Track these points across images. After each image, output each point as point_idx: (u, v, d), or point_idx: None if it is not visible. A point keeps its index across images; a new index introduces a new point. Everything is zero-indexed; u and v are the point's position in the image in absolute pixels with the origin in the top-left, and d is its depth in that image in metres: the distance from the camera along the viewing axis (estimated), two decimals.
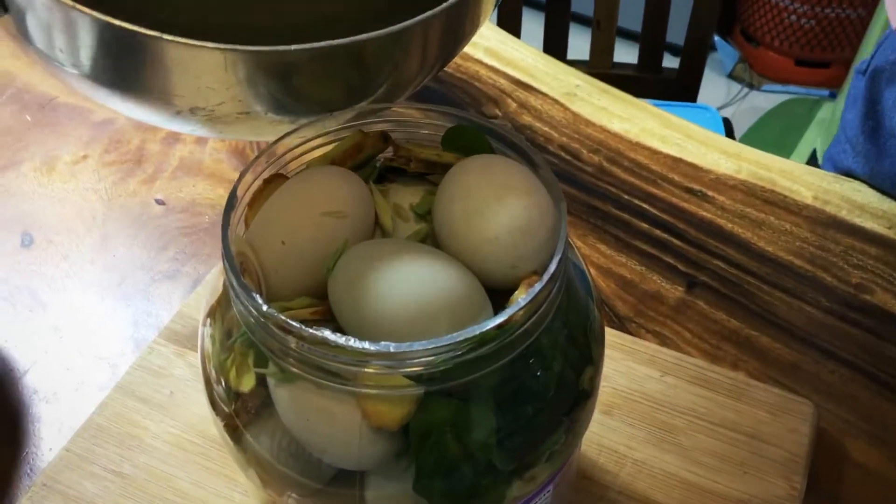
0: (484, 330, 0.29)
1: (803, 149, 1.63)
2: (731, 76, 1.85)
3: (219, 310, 0.36)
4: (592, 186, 0.66)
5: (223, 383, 0.35)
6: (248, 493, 0.48)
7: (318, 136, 0.36)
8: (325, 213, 0.32)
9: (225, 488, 0.49)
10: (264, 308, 0.29)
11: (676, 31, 1.38)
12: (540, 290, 0.30)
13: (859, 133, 0.65)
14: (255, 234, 0.33)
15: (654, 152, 0.68)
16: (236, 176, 0.68)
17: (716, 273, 0.60)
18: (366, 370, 0.30)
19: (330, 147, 0.36)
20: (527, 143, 0.35)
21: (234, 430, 0.35)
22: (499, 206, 0.32)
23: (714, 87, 1.78)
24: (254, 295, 0.30)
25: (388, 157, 0.37)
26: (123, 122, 0.72)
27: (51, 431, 0.53)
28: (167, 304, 0.60)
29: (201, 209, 0.65)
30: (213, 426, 0.51)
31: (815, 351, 0.56)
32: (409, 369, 0.29)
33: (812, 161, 1.59)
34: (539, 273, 0.32)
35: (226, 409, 0.35)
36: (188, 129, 0.36)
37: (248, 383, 0.33)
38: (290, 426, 0.33)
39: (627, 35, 1.29)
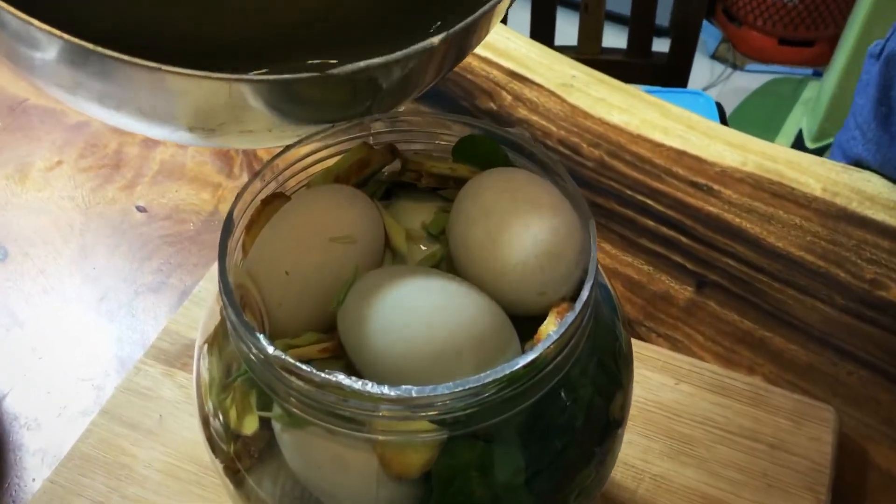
0: (514, 369, 0.26)
1: (790, 128, 1.62)
2: (715, 57, 1.83)
3: (216, 341, 0.33)
4: (594, 182, 0.63)
5: (222, 421, 0.32)
6: None
7: (321, 150, 0.33)
8: (332, 238, 0.29)
9: None
10: (270, 350, 0.27)
11: (664, 13, 1.35)
12: (573, 320, 0.28)
13: (871, 119, 0.62)
14: (256, 263, 0.30)
15: (657, 145, 0.66)
16: (221, 179, 0.65)
17: (725, 271, 0.58)
18: (384, 416, 0.27)
19: (333, 161, 0.34)
20: (547, 154, 0.32)
21: (234, 473, 0.32)
22: (523, 228, 0.29)
23: (697, 68, 1.75)
24: (257, 335, 0.27)
25: (396, 171, 0.34)
26: (99, 124, 0.68)
27: (34, 461, 0.50)
28: (153, 318, 0.56)
29: (185, 216, 0.62)
30: (205, 452, 0.49)
31: (831, 352, 0.54)
32: (431, 415, 0.27)
33: (799, 140, 1.58)
34: (568, 299, 0.30)
35: (225, 449, 0.32)
36: (180, 140, 0.32)
37: (250, 426, 0.31)
38: (298, 473, 0.30)
39: (616, 18, 1.26)
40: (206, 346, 0.34)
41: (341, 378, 0.26)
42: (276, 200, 0.32)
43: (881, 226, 0.60)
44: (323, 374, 0.26)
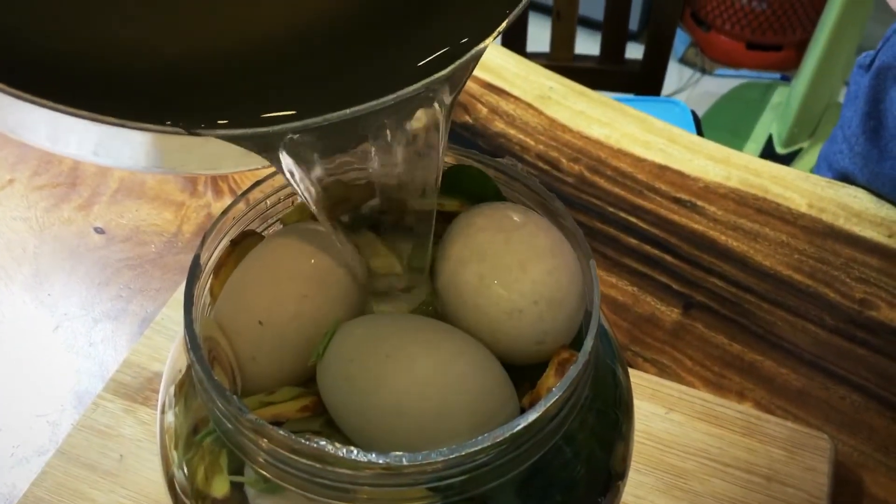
0: (514, 431, 0.24)
1: (760, 133, 1.61)
2: (683, 61, 1.82)
3: (183, 389, 0.30)
4: (575, 199, 0.61)
5: (188, 481, 0.29)
6: None
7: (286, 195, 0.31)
8: (304, 292, 0.26)
9: None
10: (245, 415, 0.24)
11: (634, 16, 1.33)
12: (577, 375, 0.25)
13: (859, 133, 0.61)
14: (226, 312, 0.27)
15: (638, 160, 0.64)
16: (184, 198, 0.62)
17: (712, 292, 0.56)
18: (371, 484, 0.24)
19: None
20: (543, 189, 0.29)
21: None
22: (520, 272, 0.26)
23: (667, 74, 1.74)
24: (228, 395, 0.24)
25: (376, 207, 0.31)
26: None
27: None
28: (112, 348, 0.53)
29: (146, 237, 0.59)
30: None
31: (823, 375, 0.52)
32: (424, 482, 0.24)
33: (769, 145, 1.58)
34: (568, 346, 0.27)
35: None
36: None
37: (220, 489, 0.28)
38: None
39: (588, 23, 1.24)
40: (170, 395, 0.31)
41: (323, 444, 0.23)
42: (246, 240, 0.29)
43: (869, 243, 0.59)
44: (303, 441, 0.23)
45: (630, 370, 0.50)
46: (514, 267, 0.27)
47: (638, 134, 0.65)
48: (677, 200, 0.61)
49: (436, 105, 0.27)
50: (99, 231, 0.59)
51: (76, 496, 0.45)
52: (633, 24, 1.70)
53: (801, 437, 0.48)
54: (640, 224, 0.60)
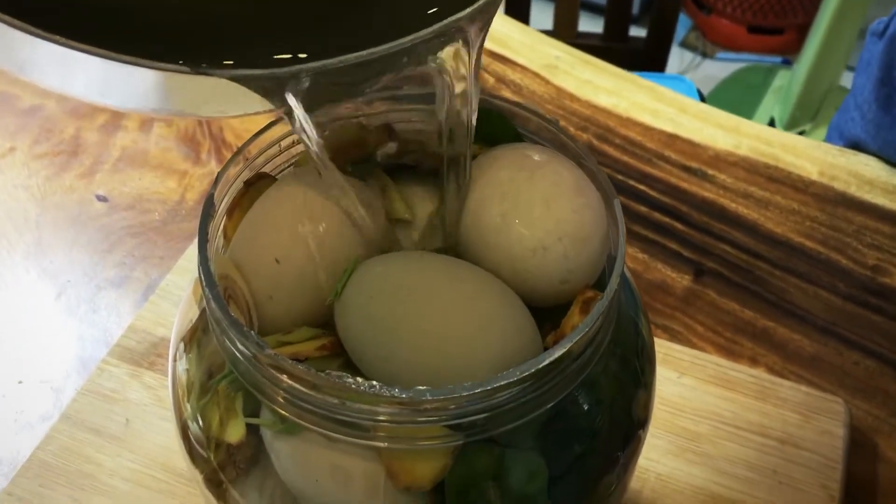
0: (538, 367, 0.23)
1: (762, 117, 1.61)
2: (684, 45, 1.82)
3: (195, 338, 0.29)
4: None
5: (202, 427, 0.29)
6: None
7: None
8: (323, 230, 0.26)
9: None
10: (264, 350, 0.23)
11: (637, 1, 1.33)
12: (602, 311, 0.25)
13: (872, 100, 0.60)
14: (241, 251, 0.26)
15: (647, 128, 0.63)
16: (187, 167, 0.61)
17: (724, 259, 0.56)
18: (392, 421, 0.24)
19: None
20: (564, 129, 0.29)
21: (217, 486, 0.29)
22: (544, 210, 0.26)
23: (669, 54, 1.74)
24: (247, 332, 0.24)
25: (393, 154, 0.30)
26: (54, 108, 0.64)
27: None
28: (116, 315, 0.52)
29: (150, 205, 0.58)
30: (178, 458, 0.45)
31: (836, 341, 0.52)
32: (446, 419, 0.23)
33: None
34: (592, 286, 0.27)
35: (207, 458, 0.29)
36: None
37: (235, 433, 0.27)
38: (291, 486, 0.26)
39: (591, 8, 1.24)
40: (182, 345, 0.30)
41: (345, 378, 0.23)
42: (260, 182, 0.29)
43: (881, 210, 0.58)
44: (323, 375, 0.23)
45: None
46: (537, 204, 0.26)
47: (647, 103, 0.65)
48: (687, 169, 0.61)
49: (460, 44, 0.27)
50: (101, 199, 0.58)
51: (82, 460, 0.44)
52: (636, 8, 1.69)
53: (816, 401, 0.47)
54: (650, 192, 0.59)
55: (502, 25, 0.71)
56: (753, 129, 0.63)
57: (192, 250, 0.54)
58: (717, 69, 1.75)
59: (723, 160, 0.61)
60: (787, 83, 1.56)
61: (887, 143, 0.60)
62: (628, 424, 0.29)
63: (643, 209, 0.58)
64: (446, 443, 0.24)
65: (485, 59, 0.68)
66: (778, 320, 0.53)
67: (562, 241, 0.26)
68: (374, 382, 0.23)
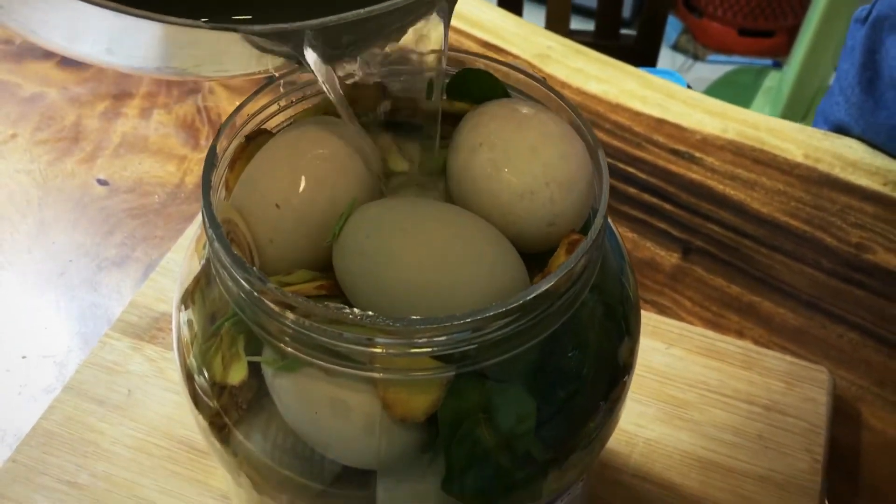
0: (527, 299, 0.25)
1: None
2: (676, 48, 1.84)
3: (197, 291, 0.31)
4: None
5: (206, 376, 0.30)
6: (228, 497, 0.43)
7: (303, 88, 0.31)
8: (321, 176, 0.27)
9: (197, 495, 0.43)
10: (265, 284, 0.24)
11: (628, 5, 1.34)
12: (586, 252, 0.26)
13: (855, 84, 0.62)
14: (243, 198, 0.28)
15: (636, 114, 0.64)
16: (186, 152, 0.62)
17: (711, 237, 0.57)
18: (387, 352, 0.25)
19: (317, 100, 0.31)
20: (550, 87, 0.30)
21: (220, 429, 0.30)
22: (532, 156, 0.27)
23: (659, 59, 1.76)
24: (249, 268, 0.25)
25: (387, 112, 0.32)
26: (55, 96, 0.65)
27: None
28: (117, 294, 0.54)
29: (149, 188, 0.59)
30: (179, 426, 0.46)
31: (821, 315, 0.53)
32: (437, 348, 0.25)
33: None
34: (578, 231, 0.28)
35: (211, 405, 0.30)
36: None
37: (238, 374, 0.28)
38: (291, 422, 0.28)
39: (582, 11, 1.25)
40: (185, 297, 0.31)
41: (344, 309, 0.24)
42: (260, 137, 0.30)
43: (865, 191, 0.60)
44: (321, 305, 0.24)
45: None
46: (525, 151, 0.27)
47: (636, 90, 0.66)
48: (675, 152, 0.62)
49: (436, 12, 0.28)
50: (102, 183, 0.60)
51: (85, 428, 0.46)
52: (627, 11, 1.71)
53: (800, 370, 0.49)
54: (639, 174, 0.61)
55: (497, 17, 0.72)
56: (740, 114, 0.65)
57: (193, 230, 0.55)
58: (709, 71, 1.77)
59: (710, 144, 0.62)
60: (777, 84, 1.58)
61: (870, 126, 0.61)
62: (614, 369, 0.30)
63: (632, 191, 0.59)
64: (438, 374, 0.25)
65: (478, 49, 0.69)
66: (764, 295, 0.54)
67: (548, 186, 0.27)
68: (370, 312, 0.24)
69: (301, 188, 0.27)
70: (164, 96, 0.65)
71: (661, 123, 0.64)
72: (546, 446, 0.28)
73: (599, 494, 0.44)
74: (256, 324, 0.26)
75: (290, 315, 0.25)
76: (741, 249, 0.56)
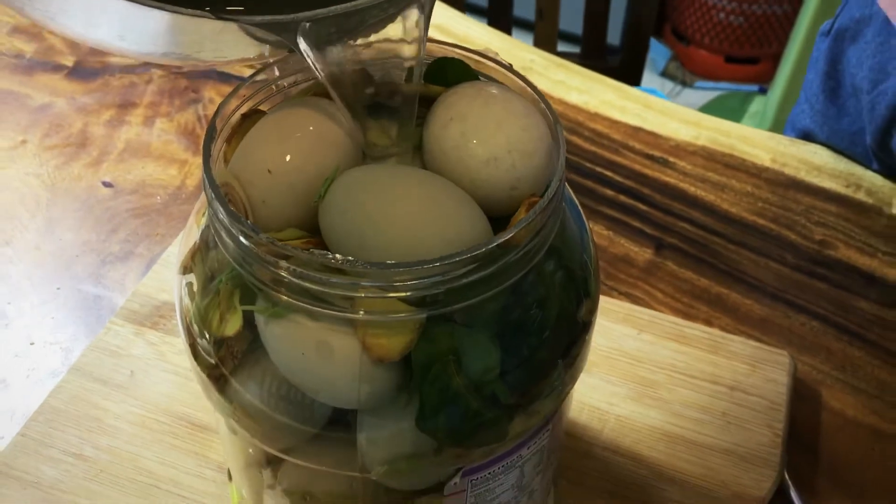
0: (490, 247, 0.28)
1: None
2: (664, 74, 1.88)
3: (197, 255, 0.34)
4: None
5: (205, 335, 0.33)
6: (223, 467, 0.46)
7: (294, 74, 0.35)
8: (309, 146, 0.30)
9: (196, 466, 0.46)
10: (258, 235, 0.28)
11: (614, 32, 1.38)
12: (542, 209, 0.29)
13: (819, 92, 0.66)
14: (239, 166, 0.31)
15: (614, 122, 0.68)
16: (188, 157, 0.66)
17: (683, 235, 0.60)
18: (365, 295, 0.28)
19: (307, 84, 0.35)
20: (517, 72, 0.34)
21: (218, 380, 0.33)
22: (496, 127, 0.31)
23: (647, 86, 1.80)
24: (244, 221, 0.28)
25: (369, 95, 0.35)
26: (63, 106, 0.69)
27: (2, 420, 0.49)
28: (120, 286, 0.57)
29: (152, 190, 0.63)
30: (179, 404, 0.49)
31: (785, 306, 0.56)
32: (410, 291, 0.28)
33: None
34: (539, 196, 0.31)
35: (209, 359, 0.33)
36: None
37: (233, 325, 0.31)
38: (281, 366, 0.31)
39: (568, 38, 1.30)
40: (185, 266, 0.35)
41: (327, 254, 0.27)
42: (255, 115, 0.33)
43: (829, 193, 0.63)
44: (308, 252, 0.27)
45: (604, 298, 0.54)
46: (490, 124, 0.31)
47: (615, 100, 0.70)
48: (650, 157, 0.66)
49: (416, 8, 0.32)
50: (107, 185, 0.63)
51: (89, 406, 0.48)
52: (616, 39, 1.76)
53: (763, 354, 0.52)
54: (616, 177, 0.64)
55: (484, 33, 0.76)
56: (713, 122, 0.68)
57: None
58: (697, 97, 1.81)
59: (683, 149, 0.66)
60: (763, 108, 1.62)
61: (834, 132, 0.65)
62: (573, 325, 0.33)
63: (609, 192, 0.63)
64: (412, 316, 0.29)
65: None
66: (731, 287, 0.57)
67: (511, 154, 0.30)
68: (350, 257, 0.27)
69: (291, 156, 0.30)
70: (166, 105, 0.69)
71: (637, 131, 0.67)
72: (510, 389, 0.31)
73: (570, 465, 0.47)
74: (250, 274, 0.29)
75: (280, 263, 0.28)
76: (710, 246, 0.60)
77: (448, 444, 0.31)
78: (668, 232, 0.60)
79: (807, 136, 0.68)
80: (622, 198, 0.63)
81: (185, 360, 0.49)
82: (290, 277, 0.28)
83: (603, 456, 0.47)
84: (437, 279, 0.28)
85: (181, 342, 0.35)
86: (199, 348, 0.34)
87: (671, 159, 0.65)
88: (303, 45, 0.30)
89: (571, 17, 1.22)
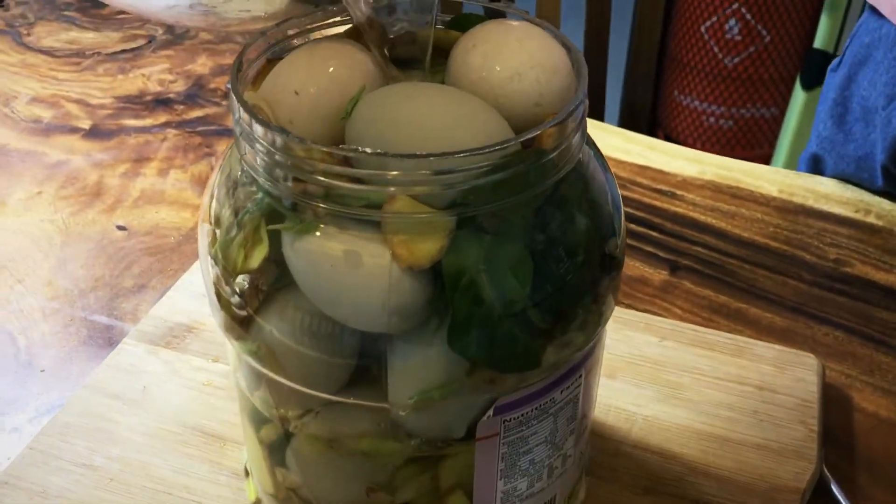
0: (517, 141, 0.28)
1: None
2: None
3: (224, 194, 0.34)
4: None
5: (229, 268, 0.32)
6: (239, 474, 0.44)
7: (316, 28, 0.36)
8: (334, 68, 0.31)
9: (210, 472, 0.45)
10: (287, 135, 0.28)
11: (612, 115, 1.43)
12: (567, 115, 0.29)
13: (827, 118, 0.68)
14: (267, 87, 0.32)
15: (619, 162, 0.69)
16: (201, 202, 0.66)
17: (697, 257, 0.60)
18: (394, 190, 0.28)
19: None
20: (536, 19, 0.35)
21: (242, 322, 0.33)
22: (518, 46, 0.31)
23: None
24: (272, 125, 0.28)
25: (390, 47, 0.36)
26: (79, 162, 0.70)
27: (10, 439, 0.48)
28: (132, 315, 0.56)
29: (166, 231, 0.63)
30: (192, 416, 0.48)
31: (806, 318, 0.56)
32: (438, 186, 0.28)
33: None
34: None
35: (233, 300, 0.32)
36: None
37: (258, 257, 0.31)
38: (308, 288, 0.30)
39: None
40: (209, 210, 0.34)
41: (356, 147, 0.27)
42: (278, 60, 0.34)
43: (838, 217, 0.64)
44: (337, 147, 0.27)
45: (623, 309, 0.54)
46: (513, 44, 0.31)
47: (619, 144, 0.71)
48: (658, 191, 0.66)
49: None
50: (121, 228, 0.63)
51: (101, 419, 0.47)
52: (614, 119, 1.80)
53: (789, 357, 0.51)
54: (625, 209, 0.64)
55: None
56: (717, 160, 0.70)
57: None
58: None
59: (690, 183, 0.67)
60: None
61: (841, 157, 0.66)
62: (603, 256, 0.33)
63: None
64: (440, 218, 0.28)
65: None
66: (750, 302, 0.57)
67: (534, 70, 0.31)
68: (379, 150, 0.27)
69: (317, 78, 0.31)
70: (180, 159, 0.70)
71: (643, 169, 0.68)
72: (541, 310, 0.30)
73: (602, 463, 0.45)
74: (278, 193, 0.29)
75: (314, 159, 0.28)
76: (726, 266, 0.59)
77: (479, 362, 0.30)
78: (683, 255, 0.60)
79: (814, 161, 0.69)
80: (633, 226, 0.63)
81: (200, 375, 0.49)
82: (322, 178, 0.28)
83: (633, 454, 0.46)
84: (464, 172, 0.28)
85: (208, 312, 0.35)
86: (222, 293, 0.33)
87: (679, 192, 0.66)
88: None
89: None
